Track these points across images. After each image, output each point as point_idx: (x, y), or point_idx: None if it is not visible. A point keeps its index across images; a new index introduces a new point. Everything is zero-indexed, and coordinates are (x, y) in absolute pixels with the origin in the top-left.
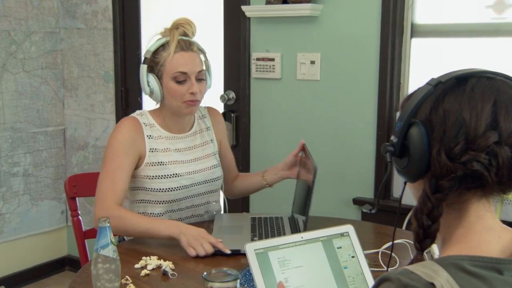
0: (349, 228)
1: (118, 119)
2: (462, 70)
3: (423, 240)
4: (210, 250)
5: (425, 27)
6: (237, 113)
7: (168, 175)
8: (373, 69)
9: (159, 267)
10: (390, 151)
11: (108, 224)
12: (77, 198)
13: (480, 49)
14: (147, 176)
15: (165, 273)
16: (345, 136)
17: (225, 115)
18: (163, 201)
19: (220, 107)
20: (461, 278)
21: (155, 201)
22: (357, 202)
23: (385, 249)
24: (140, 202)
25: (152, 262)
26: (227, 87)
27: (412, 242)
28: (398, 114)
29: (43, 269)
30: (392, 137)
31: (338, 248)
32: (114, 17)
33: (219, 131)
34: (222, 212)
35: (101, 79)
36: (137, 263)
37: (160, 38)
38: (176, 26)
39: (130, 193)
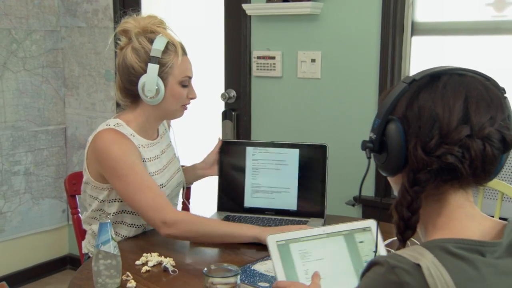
0: (371, 223)
1: None
2: (435, 68)
3: (404, 231)
4: None
5: (426, 25)
6: (238, 111)
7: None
8: (373, 67)
9: (160, 263)
10: (369, 147)
11: (109, 220)
12: (77, 196)
13: (480, 47)
14: None
15: (165, 270)
16: (345, 134)
17: (225, 113)
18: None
19: (220, 106)
20: (446, 259)
21: (135, 213)
22: (358, 200)
23: (386, 245)
24: (118, 214)
25: (153, 258)
26: (227, 85)
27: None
28: None
29: (44, 268)
30: (371, 134)
31: (360, 242)
32: (115, 15)
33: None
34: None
35: (102, 77)
36: (138, 260)
37: (160, 36)
38: (158, 23)
39: (107, 206)
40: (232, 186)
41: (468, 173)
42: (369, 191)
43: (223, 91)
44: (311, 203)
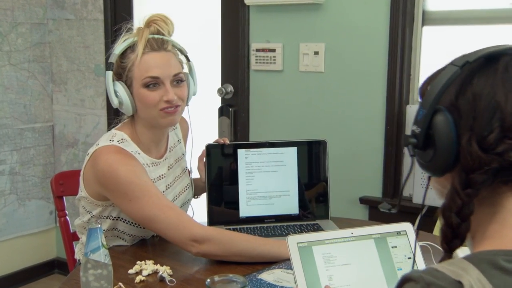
0: (407, 227)
1: (109, 115)
2: (490, 47)
3: (452, 240)
4: None
5: (437, 14)
6: (236, 107)
7: None
8: (381, 60)
9: (155, 272)
10: (412, 143)
11: (99, 225)
12: (64, 198)
13: (496, 38)
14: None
15: (162, 279)
16: (351, 132)
17: (222, 109)
18: (140, 236)
19: (217, 101)
20: (494, 276)
21: (132, 234)
22: (364, 201)
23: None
24: (109, 231)
25: (147, 267)
26: (224, 80)
27: (434, 244)
28: (416, 101)
29: (31, 272)
30: (414, 127)
31: (393, 247)
32: (105, 7)
33: (185, 142)
34: None
35: (91, 72)
36: (131, 268)
37: (127, 39)
38: (148, 23)
39: (102, 221)
40: (223, 195)
41: None
42: (376, 191)
43: (219, 86)
44: (314, 204)
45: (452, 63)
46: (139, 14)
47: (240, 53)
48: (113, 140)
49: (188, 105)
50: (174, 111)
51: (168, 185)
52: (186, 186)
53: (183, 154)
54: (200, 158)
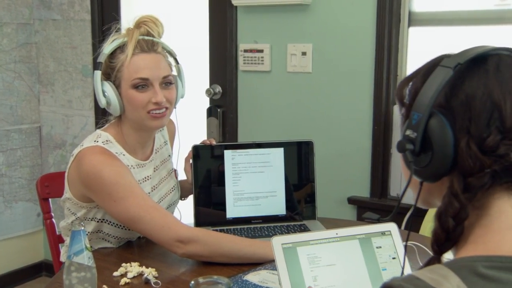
0: (391, 227)
1: (97, 116)
2: (474, 48)
3: (444, 243)
4: None
5: (424, 15)
6: (224, 108)
7: None
8: (368, 61)
9: (140, 274)
10: (410, 149)
11: (83, 228)
12: (50, 199)
13: (482, 38)
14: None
15: (147, 282)
16: (339, 132)
17: (211, 110)
18: (125, 238)
19: (205, 102)
20: (474, 283)
21: (116, 236)
22: (352, 201)
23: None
24: (96, 233)
25: (132, 269)
26: (212, 80)
27: (419, 244)
28: (394, 103)
29: (18, 275)
30: (409, 132)
31: (377, 247)
32: (92, 7)
33: (171, 143)
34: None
35: (79, 73)
36: (116, 271)
37: (116, 39)
38: (138, 24)
39: (87, 223)
40: (210, 196)
41: None
42: (364, 191)
43: (208, 86)
44: (301, 205)
45: (443, 65)
46: (126, 15)
47: (228, 53)
48: (97, 141)
49: (176, 108)
50: (162, 115)
51: (154, 186)
52: (172, 188)
53: (169, 155)
54: (186, 160)
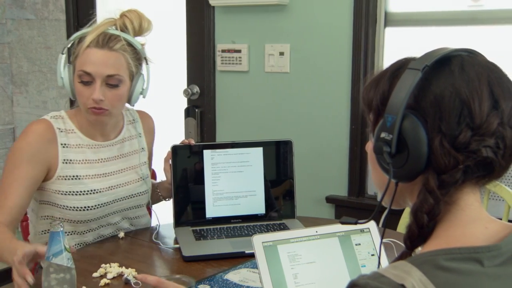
0: (370, 224)
1: None
2: (437, 50)
3: (416, 238)
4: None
5: (399, 16)
6: (202, 108)
7: (84, 191)
8: (345, 60)
9: (120, 275)
10: (387, 151)
11: (61, 229)
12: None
13: (456, 38)
14: (59, 191)
15: (127, 282)
16: (316, 131)
17: (188, 110)
18: (79, 221)
19: (183, 102)
20: (436, 275)
21: (69, 220)
22: (330, 200)
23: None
24: (46, 218)
25: (112, 270)
26: (190, 81)
27: (397, 241)
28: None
29: None
30: (384, 134)
31: (356, 245)
32: (67, 7)
33: (150, 140)
34: (152, 224)
35: (54, 73)
36: (96, 272)
37: (90, 25)
38: (120, 15)
39: (37, 206)
40: (190, 196)
41: (502, 166)
42: (342, 190)
43: (185, 87)
44: (280, 204)
45: (411, 67)
46: (102, 15)
47: (205, 54)
48: (47, 116)
49: (133, 106)
50: (101, 112)
51: (107, 173)
52: (140, 178)
53: (142, 148)
54: (165, 160)
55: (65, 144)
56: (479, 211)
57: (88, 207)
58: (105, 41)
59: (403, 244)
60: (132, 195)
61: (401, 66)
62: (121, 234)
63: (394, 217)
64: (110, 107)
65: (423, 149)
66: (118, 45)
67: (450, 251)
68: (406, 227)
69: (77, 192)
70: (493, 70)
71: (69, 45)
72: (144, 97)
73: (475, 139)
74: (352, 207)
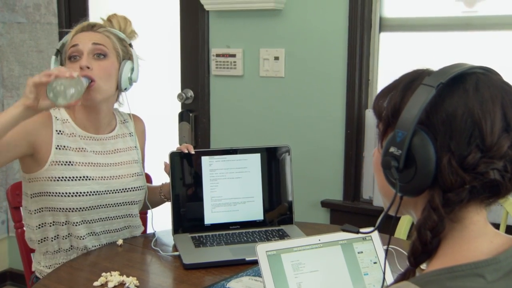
0: (372, 232)
1: None
2: (452, 66)
3: (420, 255)
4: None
5: (394, 21)
6: (196, 113)
7: (76, 177)
8: (340, 65)
9: (121, 284)
10: (395, 166)
11: None
12: (21, 208)
13: (451, 43)
14: (51, 178)
15: None
16: (311, 136)
17: (182, 115)
18: (71, 208)
19: (177, 107)
20: None
21: (62, 208)
22: (325, 204)
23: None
24: (40, 211)
25: (113, 278)
26: (184, 85)
27: (397, 248)
28: (371, 115)
29: None
30: (393, 149)
31: (359, 252)
32: (59, 10)
33: (142, 142)
34: (141, 229)
35: None
36: (97, 280)
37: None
38: (107, 18)
39: (29, 202)
40: (188, 203)
41: (508, 189)
42: (337, 194)
43: (179, 91)
44: (278, 210)
45: (425, 83)
46: (94, 18)
47: (200, 58)
48: None
49: (125, 91)
50: (89, 87)
51: (101, 163)
52: (135, 173)
53: (135, 146)
54: (166, 165)
55: (60, 131)
56: (484, 226)
57: (80, 193)
58: (90, 26)
59: (403, 251)
60: (126, 189)
61: (414, 78)
62: (120, 241)
63: (391, 221)
64: (98, 78)
65: (431, 166)
66: (102, 29)
67: (453, 269)
68: (410, 243)
69: (70, 177)
70: (508, 92)
71: (59, 47)
72: (135, 81)
73: (484, 161)
74: (347, 211)
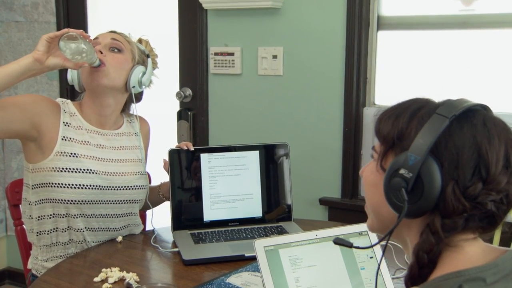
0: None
1: None
2: (463, 101)
3: (417, 279)
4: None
5: (392, 20)
6: (194, 111)
7: (80, 169)
8: (338, 64)
9: (122, 279)
10: (404, 187)
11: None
12: (20, 206)
13: (448, 42)
14: (55, 168)
15: (129, 286)
16: (310, 134)
17: (181, 113)
18: (72, 200)
19: (176, 105)
20: None
21: (63, 200)
22: (324, 202)
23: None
24: (41, 203)
25: (113, 274)
26: (183, 83)
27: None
28: (374, 134)
29: None
30: (404, 172)
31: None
32: (57, 9)
33: (146, 144)
34: (141, 227)
35: (44, 76)
36: (97, 276)
37: None
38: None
39: (31, 193)
40: (187, 200)
41: (500, 220)
42: (335, 192)
43: (178, 89)
44: (277, 207)
45: (438, 113)
46: (93, 17)
47: (198, 56)
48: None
49: (133, 90)
50: (98, 70)
51: (104, 158)
52: (138, 172)
53: (139, 146)
54: (165, 163)
55: (67, 123)
56: (477, 243)
57: (83, 185)
58: (110, 31)
59: (401, 246)
60: (128, 186)
61: (422, 106)
62: (119, 238)
63: None
64: (109, 64)
65: (437, 192)
66: (118, 33)
67: (460, 273)
68: (408, 267)
69: (74, 169)
70: (509, 131)
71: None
72: (145, 86)
73: (484, 192)
74: (345, 209)
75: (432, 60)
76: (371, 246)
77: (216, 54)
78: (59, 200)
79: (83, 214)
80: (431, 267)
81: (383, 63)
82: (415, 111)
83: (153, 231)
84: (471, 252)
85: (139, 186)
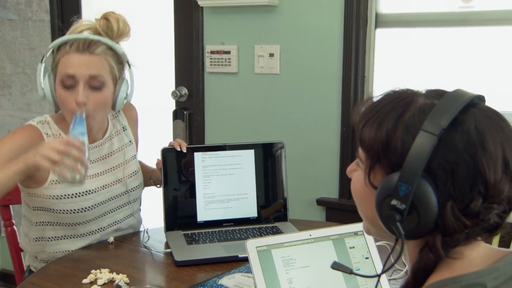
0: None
1: None
2: (448, 99)
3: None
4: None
5: (390, 17)
6: (190, 110)
7: (79, 193)
8: (336, 62)
9: (111, 281)
10: (399, 220)
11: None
12: (11, 206)
13: (447, 39)
14: (53, 196)
15: None
16: (307, 133)
17: (177, 112)
18: (77, 223)
19: (171, 104)
20: None
21: (67, 223)
22: (321, 202)
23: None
24: (42, 224)
25: (103, 275)
26: (178, 82)
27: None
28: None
29: None
30: (396, 202)
31: (350, 248)
32: (52, 7)
33: (135, 130)
34: (142, 224)
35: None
36: (86, 278)
37: (70, 33)
38: (102, 17)
39: (31, 213)
40: (180, 200)
41: (500, 226)
42: (332, 192)
43: (173, 88)
44: (273, 207)
45: (424, 129)
46: (87, 15)
47: (194, 55)
48: (34, 121)
49: (118, 111)
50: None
51: (99, 173)
52: (133, 172)
53: (130, 141)
54: (158, 163)
55: None
56: (478, 246)
57: (85, 208)
58: (86, 46)
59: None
60: (127, 190)
61: (405, 108)
62: (111, 239)
63: None
64: (93, 112)
65: (434, 215)
66: (99, 49)
67: (458, 278)
68: (404, 280)
69: (72, 194)
70: (504, 129)
71: (48, 54)
72: (128, 100)
73: (485, 206)
74: (343, 209)
75: (431, 58)
76: (372, 276)
77: (212, 52)
78: (63, 223)
79: (90, 231)
80: (425, 280)
81: (381, 61)
82: (399, 116)
83: (145, 232)
84: (471, 256)
85: (137, 186)
